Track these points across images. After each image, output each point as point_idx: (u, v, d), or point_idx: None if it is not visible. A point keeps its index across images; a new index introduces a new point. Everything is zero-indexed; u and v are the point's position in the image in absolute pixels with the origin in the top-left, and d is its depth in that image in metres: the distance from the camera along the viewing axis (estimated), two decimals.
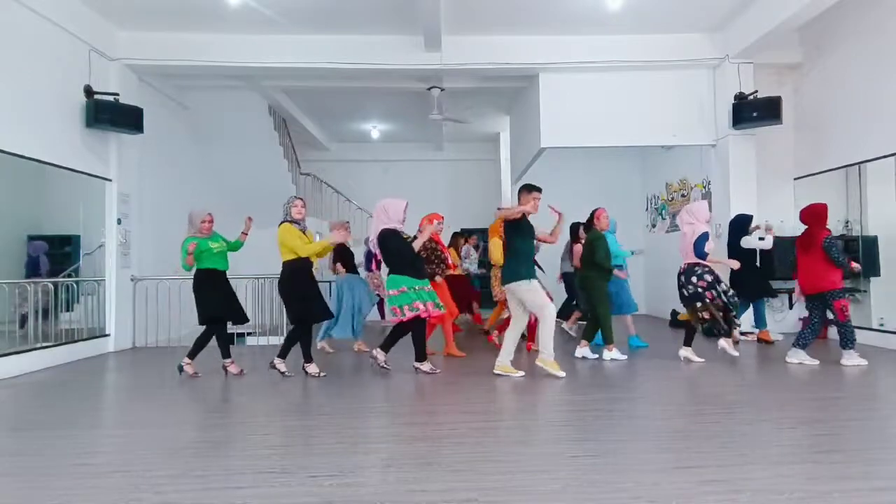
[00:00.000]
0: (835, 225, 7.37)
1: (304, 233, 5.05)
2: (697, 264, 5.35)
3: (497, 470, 2.73)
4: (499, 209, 5.18)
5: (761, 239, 6.63)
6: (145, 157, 7.60)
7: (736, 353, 5.51)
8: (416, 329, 5.08)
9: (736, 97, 7.25)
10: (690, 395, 4.33)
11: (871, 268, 6.85)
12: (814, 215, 5.34)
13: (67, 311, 6.69)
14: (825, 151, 7.24)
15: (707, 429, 3.34)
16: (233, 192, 9.71)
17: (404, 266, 5.00)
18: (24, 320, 6.05)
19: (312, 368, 5.07)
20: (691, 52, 7.52)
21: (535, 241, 5.12)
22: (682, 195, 9.44)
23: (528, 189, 4.89)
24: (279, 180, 10.21)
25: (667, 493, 2.41)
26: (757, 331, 6.90)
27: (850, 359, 5.23)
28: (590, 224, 6.03)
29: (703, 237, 5.33)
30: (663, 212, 10.19)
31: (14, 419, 3.99)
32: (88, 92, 6.53)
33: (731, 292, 5.34)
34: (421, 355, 5.14)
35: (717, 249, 5.63)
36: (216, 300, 5.16)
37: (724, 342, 5.47)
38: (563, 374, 4.77)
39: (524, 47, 7.49)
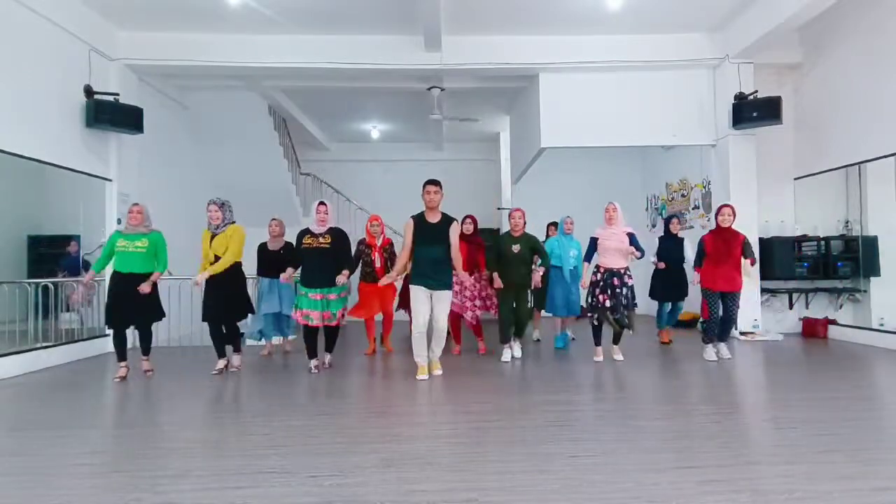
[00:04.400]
0: (835, 225, 7.39)
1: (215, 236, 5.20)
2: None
3: (497, 470, 2.73)
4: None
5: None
6: (145, 157, 7.60)
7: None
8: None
9: (736, 97, 7.25)
10: (689, 395, 4.33)
11: (871, 268, 6.85)
12: (734, 215, 5.59)
13: (67, 311, 6.70)
14: (825, 151, 7.24)
15: (707, 429, 3.34)
16: (232, 192, 9.60)
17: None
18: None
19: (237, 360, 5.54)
20: (691, 52, 7.52)
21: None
22: (682, 195, 9.44)
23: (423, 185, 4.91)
24: (279, 180, 10.23)
25: (667, 493, 2.41)
26: (756, 331, 6.91)
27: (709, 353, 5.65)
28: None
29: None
30: (663, 212, 10.18)
31: (14, 419, 3.98)
32: (88, 92, 6.53)
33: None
34: (308, 353, 5.37)
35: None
36: (109, 307, 5.14)
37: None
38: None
39: (524, 47, 7.49)
